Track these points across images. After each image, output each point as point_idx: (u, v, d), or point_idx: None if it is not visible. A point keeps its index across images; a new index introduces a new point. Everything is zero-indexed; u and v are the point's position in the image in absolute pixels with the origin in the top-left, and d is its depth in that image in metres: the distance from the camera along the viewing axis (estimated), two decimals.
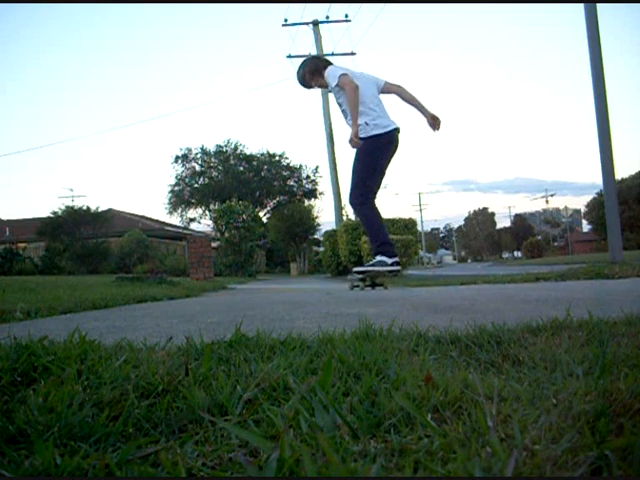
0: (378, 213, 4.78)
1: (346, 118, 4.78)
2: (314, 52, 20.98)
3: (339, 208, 20.38)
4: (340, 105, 4.88)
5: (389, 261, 4.62)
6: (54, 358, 1.16)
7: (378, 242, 4.68)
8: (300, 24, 21.23)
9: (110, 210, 27.02)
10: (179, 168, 38.45)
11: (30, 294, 4.69)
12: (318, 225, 34.84)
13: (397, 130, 4.73)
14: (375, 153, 4.65)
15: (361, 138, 4.59)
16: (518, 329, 1.52)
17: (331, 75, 4.68)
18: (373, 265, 4.71)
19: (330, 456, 0.60)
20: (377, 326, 1.59)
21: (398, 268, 4.75)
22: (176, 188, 38.38)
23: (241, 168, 37.91)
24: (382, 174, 4.81)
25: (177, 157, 38.21)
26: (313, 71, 4.95)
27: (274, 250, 35.76)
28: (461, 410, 0.82)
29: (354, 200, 4.82)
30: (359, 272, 4.99)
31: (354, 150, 4.77)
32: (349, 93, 4.51)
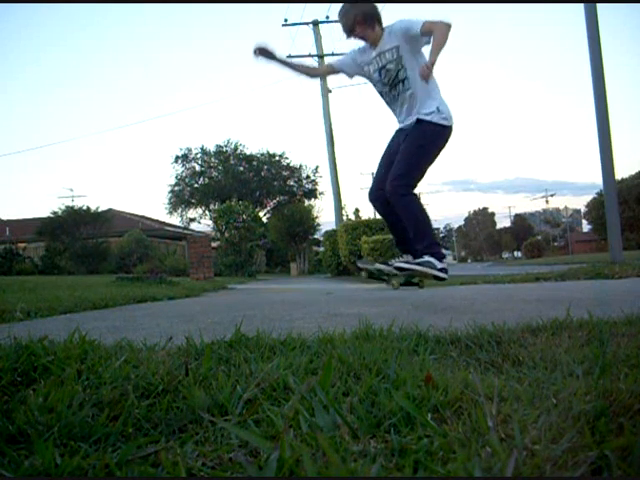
0: (423, 206, 4.02)
1: (403, 92, 3.92)
2: (314, 52, 21.00)
3: (339, 208, 20.38)
4: (393, 72, 3.92)
5: (438, 265, 3.93)
6: (54, 358, 1.16)
7: (426, 242, 3.98)
8: (300, 24, 21.23)
9: (110, 210, 27.01)
10: (179, 168, 38.52)
11: (30, 294, 4.69)
12: (318, 225, 34.87)
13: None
14: (437, 144, 3.92)
15: (429, 122, 3.84)
16: (518, 329, 1.52)
17: (410, 22, 3.78)
18: (420, 264, 3.96)
19: (330, 456, 0.60)
20: (377, 326, 1.59)
21: (446, 276, 4.02)
22: (176, 188, 38.42)
23: (241, 168, 37.94)
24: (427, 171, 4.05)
25: (177, 157, 38.26)
26: (371, 16, 3.93)
27: (274, 250, 35.76)
28: (461, 410, 0.82)
29: (398, 190, 3.94)
30: (401, 269, 4.19)
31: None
32: (443, 31, 3.64)
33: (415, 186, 3.94)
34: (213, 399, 0.91)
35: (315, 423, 0.77)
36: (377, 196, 4.12)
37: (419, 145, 3.93)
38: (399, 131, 4.07)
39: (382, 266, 4.75)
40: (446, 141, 3.95)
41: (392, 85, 3.96)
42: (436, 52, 3.66)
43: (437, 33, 3.71)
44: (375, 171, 4.24)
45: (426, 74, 3.64)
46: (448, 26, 3.70)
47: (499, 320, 1.65)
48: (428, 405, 0.83)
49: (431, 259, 3.92)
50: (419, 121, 3.89)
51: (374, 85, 4.08)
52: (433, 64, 3.64)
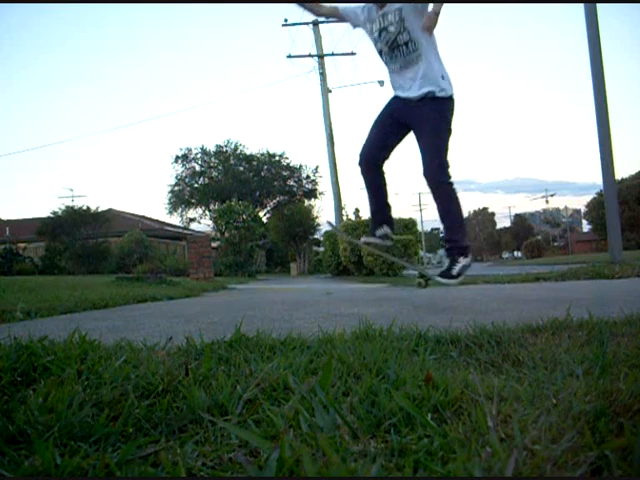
0: (459, 196, 3.93)
1: (406, 55, 3.70)
2: (314, 52, 21.00)
3: (339, 208, 20.38)
4: (393, 35, 3.70)
5: (468, 263, 3.82)
6: (54, 358, 1.16)
7: (461, 234, 3.84)
8: (300, 24, 21.23)
9: (110, 210, 27.00)
10: (179, 168, 38.53)
11: (30, 294, 4.69)
12: (318, 225, 34.88)
13: None
14: (451, 118, 3.76)
15: (439, 97, 3.65)
16: (518, 329, 1.52)
17: None
18: (459, 275, 3.81)
19: (330, 456, 0.60)
20: (377, 326, 1.59)
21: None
22: (176, 188, 38.42)
23: (241, 168, 37.94)
24: None
25: (177, 157, 38.27)
26: None
27: (274, 250, 35.81)
28: (461, 410, 0.82)
29: (440, 177, 3.68)
30: (451, 276, 3.99)
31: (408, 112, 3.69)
32: None
33: (449, 165, 3.76)
34: (213, 399, 0.91)
35: (315, 423, 0.77)
36: (368, 161, 3.94)
37: (440, 126, 3.77)
38: (399, 100, 3.84)
39: (374, 240, 4.52)
40: (454, 109, 3.81)
41: (391, 47, 3.79)
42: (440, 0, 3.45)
43: None
44: (367, 136, 3.98)
45: (430, 24, 3.47)
46: None
47: (499, 320, 1.65)
48: (428, 405, 0.83)
49: (464, 262, 3.80)
50: (434, 99, 3.72)
51: (374, 45, 3.92)
52: (438, 14, 3.46)
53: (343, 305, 3.08)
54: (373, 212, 4.19)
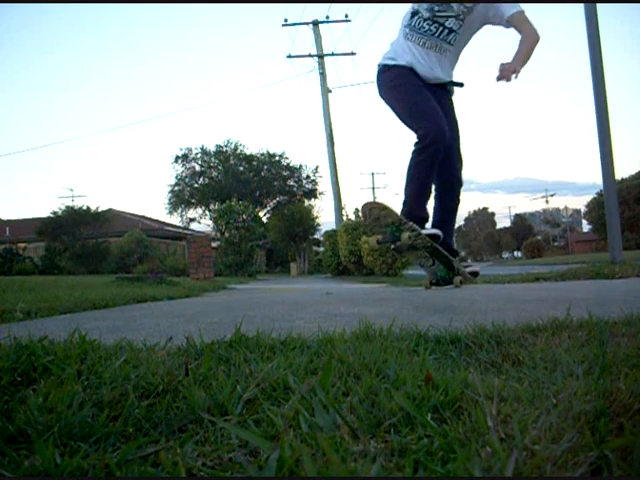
0: None
1: (442, 39, 3.55)
2: (314, 52, 21.00)
3: (339, 208, 20.38)
4: (443, 15, 3.54)
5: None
6: (54, 358, 1.16)
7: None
8: (300, 24, 21.23)
9: (110, 210, 27.00)
10: (179, 168, 38.58)
11: (30, 294, 4.69)
12: (318, 225, 34.92)
13: None
14: None
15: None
16: (518, 329, 1.52)
17: (505, 5, 3.50)
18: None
19: (330, 456, 0.60)
20: (377, 326, 1.59)
21: None
22: (176, 188, 38.45)
23: (241, 168, 37.96)
24: None
25: (177, 157, 38.30)
26: None
27: (274, 250, 35.81)
28: (461, 410, 0.82)
29: (462, 176, 3.73)
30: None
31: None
32: (533, 39, 3.42)
33: None
34: (213, 399, 0.91)
35: (315, 423, 0.77)
36: (446, 133, 3.53)
37: (457, 122, 3.77)
38: (420, 78, 3.62)
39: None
40: None
41: (434, 19, 3.57)
42: (523, 60, 3.39)
43: (528, 36, 3.42)
44: (424, 109, 3.59)
45: (506, 75, 3.36)
46: (538, 38, 3.44)
47: (499, 320, 1.65)
48: (428, 405, 0.83)
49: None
50: (451, 90, 3.74)
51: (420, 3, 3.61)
52: (516, 73, 3.34)
53: (343, 305, 3.07)
54: (424, 200, 3.80)
